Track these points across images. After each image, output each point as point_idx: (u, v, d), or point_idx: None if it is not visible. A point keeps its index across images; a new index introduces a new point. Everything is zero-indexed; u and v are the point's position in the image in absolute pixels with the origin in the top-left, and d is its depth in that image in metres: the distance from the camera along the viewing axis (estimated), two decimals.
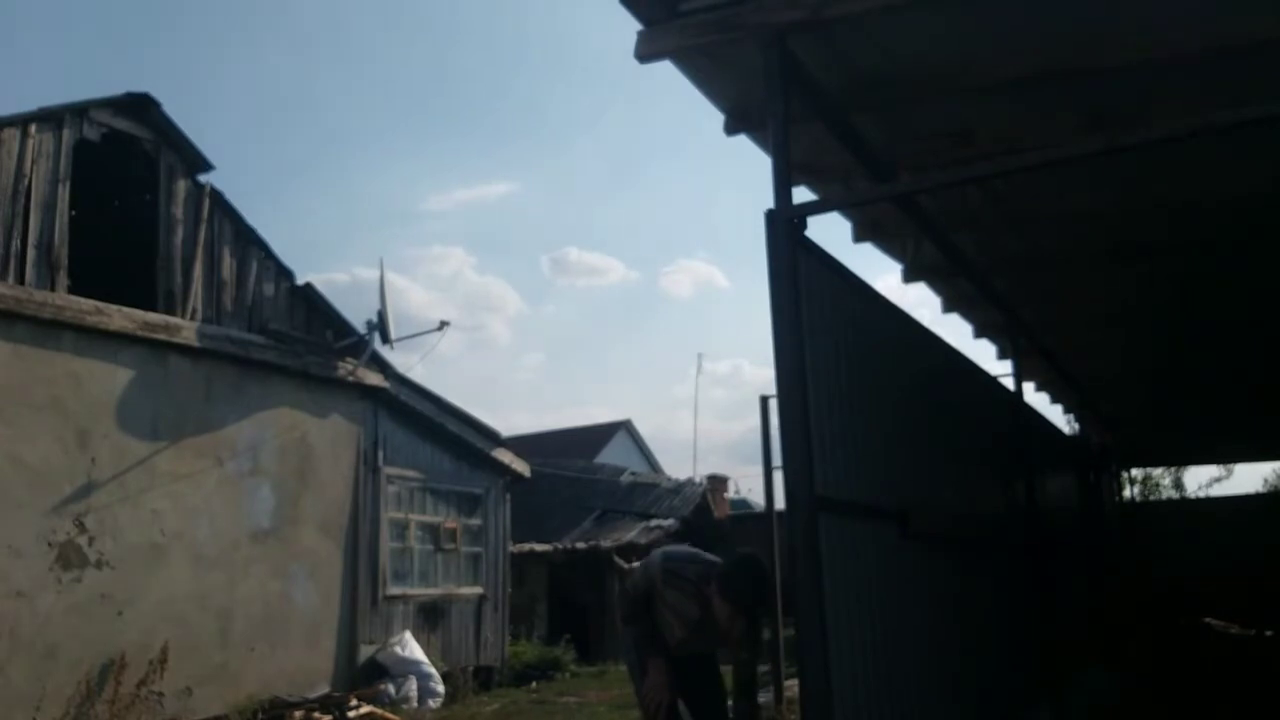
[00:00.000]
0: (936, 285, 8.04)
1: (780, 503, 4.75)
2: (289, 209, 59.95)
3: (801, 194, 5.16)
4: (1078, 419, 14.65)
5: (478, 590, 13.67)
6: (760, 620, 4.84)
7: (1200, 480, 27.22)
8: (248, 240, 11.23)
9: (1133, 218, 6.62)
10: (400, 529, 12.67)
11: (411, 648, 11.91)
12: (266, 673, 10.41)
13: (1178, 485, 21.62)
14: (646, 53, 4.29)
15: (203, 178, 10.85)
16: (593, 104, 71.99)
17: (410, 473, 12.84)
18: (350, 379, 11.88)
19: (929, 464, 5.54)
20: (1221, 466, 20.54)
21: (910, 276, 7.54)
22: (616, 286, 67.78)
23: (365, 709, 10.10)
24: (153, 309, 10.08)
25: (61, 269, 9.38)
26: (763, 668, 10.30)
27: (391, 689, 11.24)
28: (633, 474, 24.08)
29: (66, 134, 9.64)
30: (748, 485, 31.41)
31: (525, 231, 69.26)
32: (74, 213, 9.84)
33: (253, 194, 67.45)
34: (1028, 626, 7.32)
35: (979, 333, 9.34)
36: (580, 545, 18.83)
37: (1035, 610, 7.49)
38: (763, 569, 4.62)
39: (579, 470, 22.98)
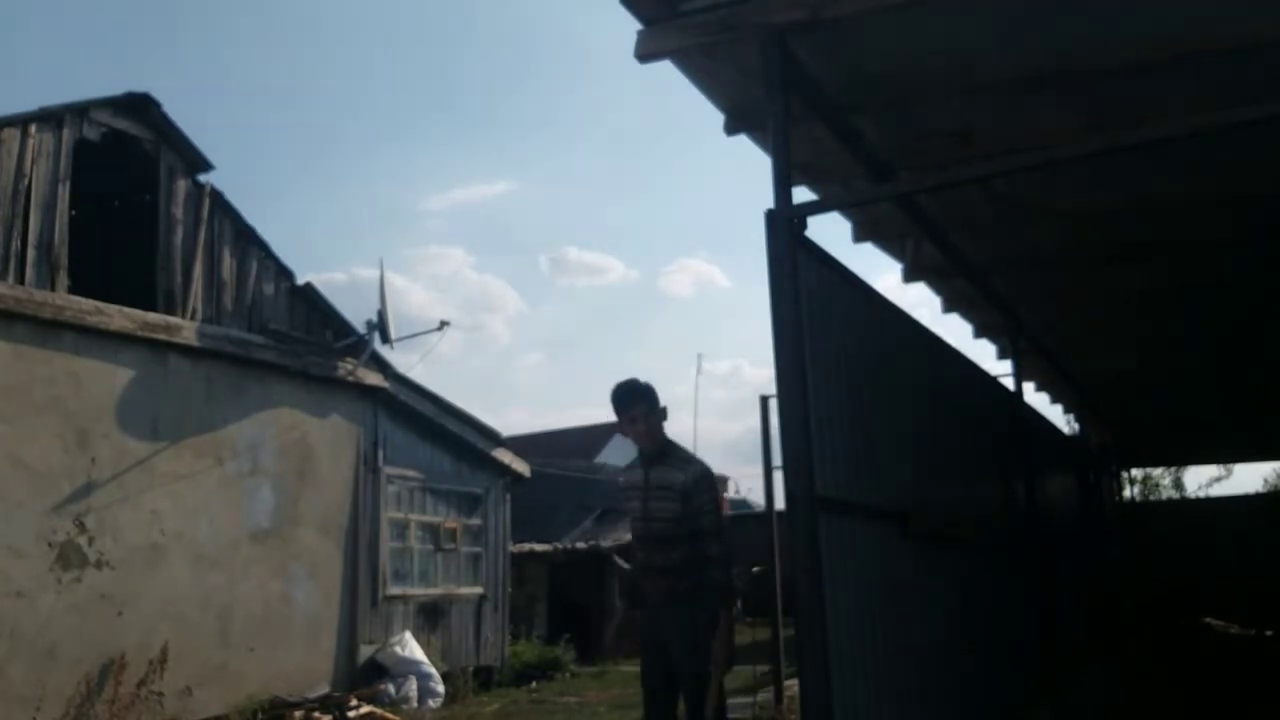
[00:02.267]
0: (936, 285, 8.04)
1: (780, 503, 4.76)
2: (288, 209, 60.01)
3: (801, 194, 5.16)
4: (1078, 419, 14.64)
5: (478, 590, 13.66)
6: (704, 488, 5.02)
7: (1200, 480, 27.23)
8: (248, 240, 11.23)
9: (1133, 218, 6.61)
10: (400, 529, 12.67)
11: (411, 648, 11.91)
12: (266, 673, 10.41)
13: (1178, 485, 21.64)
14: (646, 53, 4.29)
15: (203, 178, 10.84)
16: (592, 103, 72.03)
17: (410, 473, 12.84)
18: (350, 379, 11.88)
19: (929, 464, 5.54)
20: (1221, 466, 20.56)
21: (910, 276, 7.54)
22: (616, 286, 67.86)
23: (365, 709, 10.09)
24: (153, 309, 10.08)
25: (61, 269, 9.37)
26: (762, 668, 10.29)
27: (391, 689, 11.24)
28: None
29: (66, 134, 9.63)
30: (748, 485, 31.40)
31: (524, 231, 69.30)
32: (74, 213, 9.84)
33: (253, 194, 67.49)
34: (1028, 626, 7.32)
35: (979, 333, 9.34)
36: (580, 545, 18.84)
37: (1035, 610, 7.48)
38: (626, 380, 5.13)
39: (579, 470, 23.00)
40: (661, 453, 5.07)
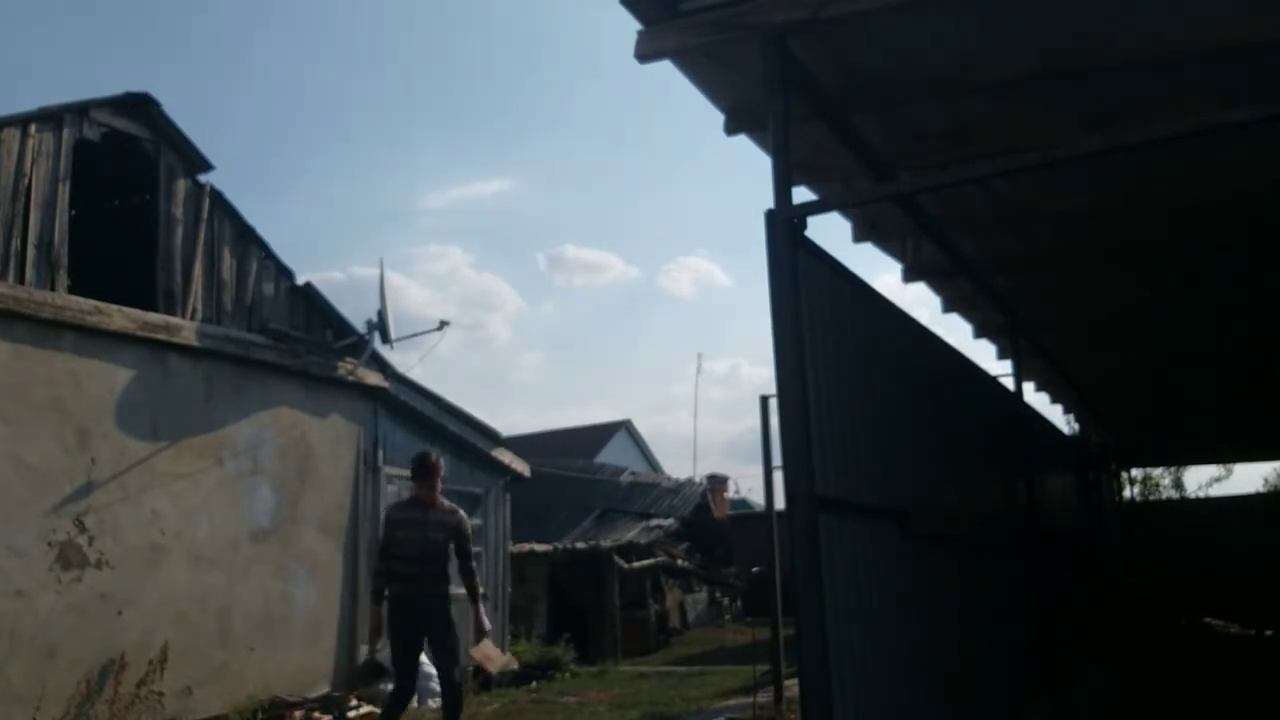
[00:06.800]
0: (936, 285, 8.04)
1: (780, 503, 4.79)
2: (285, 208, 60.02)
3: (801, 194, 5.17)
4: (1078, 419, 14.65)
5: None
6: (466, 529, 7.47)
7: (1200, 480, 27.15)
8: (248, 240, 11.22)
9: (1133, 218, 6.62)
10: None
11: None
12: (266, 673, 10.40)
13: (1178, 485, 21.59)
14: (646, 52, 4.29)
15: (202, 177, 10.83)
16: (591, 102, 72.03)
17: (410, 472, 12.83)
18: (350, 379, 11.87)
19: (929, 464, 5.54)
20: (1221, 466, 20.54)
21: (910, 276, 7.55)
22: (615, 284, 67.84)
23: (365, 709, 10.09)
24: (153, 309, 10.07)
25: (61, 269, 9.37)
26: (762, 668, 10.32)
27: (391, 689, 11.23)
28: (633, 474, 24.09)
29: (66, 134, 9.63)
30: (747, 485, 31.40)
31: (523, 229, 69.28)
32: (74, 212, 9.82)
33: (252, 193, 67.50)
34: (1028, 626, 7.33)
35: (979, 333, 9.34)
36: (580, 545, 18.83)
37: (1034, 610, 7.49)
38: (423, 453, 7.89)
39: (579, 470, 22.99)
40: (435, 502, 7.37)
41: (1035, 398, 12.11)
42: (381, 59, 68.04)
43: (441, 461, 7.60)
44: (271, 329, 11.16)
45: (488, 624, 7.68)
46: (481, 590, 7.88)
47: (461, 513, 7.57)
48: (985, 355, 10.19)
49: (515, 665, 13.80)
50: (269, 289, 11.35)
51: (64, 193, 9.52)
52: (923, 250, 7.07)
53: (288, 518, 11.03)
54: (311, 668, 10.99)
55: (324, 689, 10.83)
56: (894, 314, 5.41)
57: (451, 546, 7.36)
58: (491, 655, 8.18)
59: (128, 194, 11.26)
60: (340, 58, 64.89)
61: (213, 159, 10.84)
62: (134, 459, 9.57)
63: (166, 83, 45.58)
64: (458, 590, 7.62)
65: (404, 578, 7.18)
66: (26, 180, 9.19)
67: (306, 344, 11.50)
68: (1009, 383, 8.25)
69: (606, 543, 18.79)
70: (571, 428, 33.72)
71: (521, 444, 16.39)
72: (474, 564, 7.56)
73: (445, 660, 7.33)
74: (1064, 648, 8.29)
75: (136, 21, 59.49)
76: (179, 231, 10.51)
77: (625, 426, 35.03)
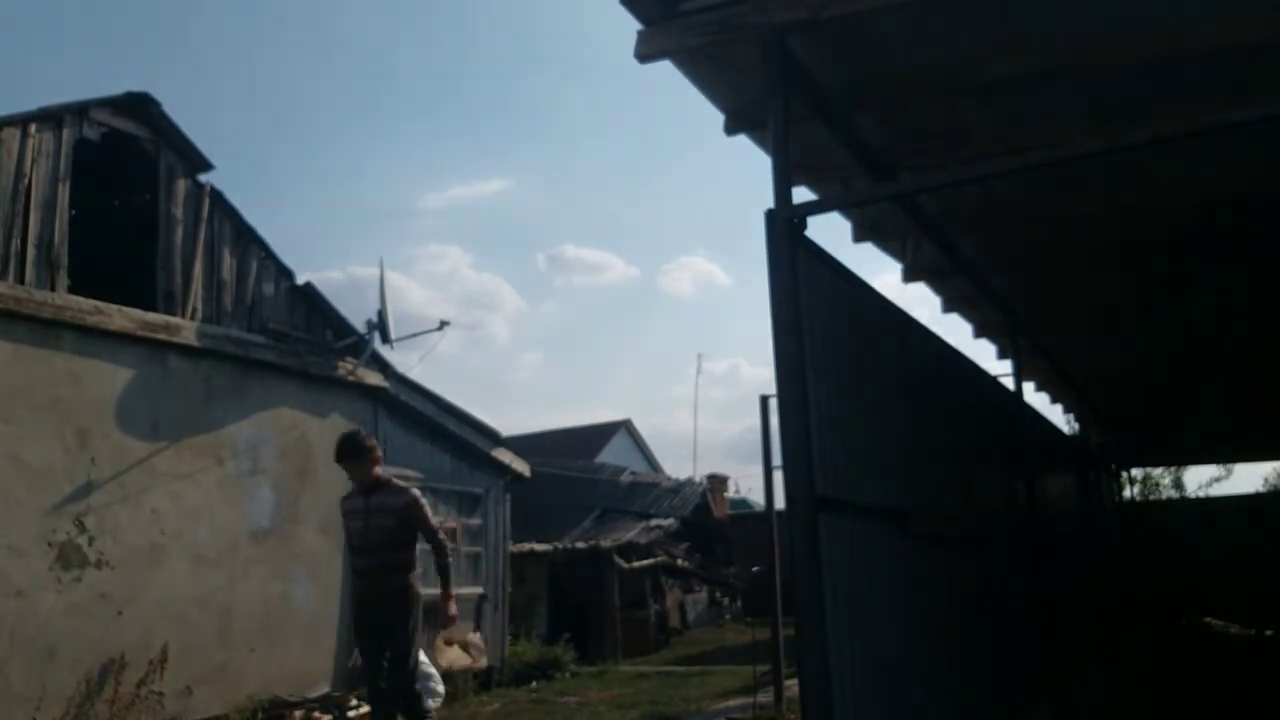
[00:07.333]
0: (936, 285, 8.04)
1: (780, 503, 4.79)
2: (284, 208, 60.03)
3: (801, 194, 5.16)
4: (1078, 419, 14.66)
5: (478, 590, 13.65)
6: (418, 508, 6.78)
7: (1200, 480, 27.15)
8: (248, 240, 11.21)
9: (1132, 218, 6.62)
10: None
11: None
12: (266, 673, 10.40)
13: (1178, 485, 21.60)
14: (646, 53, 4.29)
15: (202, 177, 10.83)
16: (591, 102, 72.03)
17: (410, 473, 12.80)
18: (350, 379, 11.87)
19: (929, 464, 5.54)
20: (1221, 466, 20.54)
21: (910, 276, 7.55)
22: (615, 284, 67.85)
23: (365, 709, 10.08)
24: (153, 309, 10.07)
25: (61, 269, 9.36)
26: (762, 668, 10.31)
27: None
28: (633, 474, 24.09)
29: (66, 134, 9.62)
30: (747, 485, 31.41)
31: (522, 229, 69.30)
32: (74, 212, 9.82)
33: (251, 193, 67.51)
34: (1027, 626, 7.33)
35: (979, 333, 9.34)
36: (580, 545, 18.83)
37: (1035, 610, 7.49)
38: (345, 434, 7.16)
39: (579, 470, 22.98)
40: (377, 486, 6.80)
41: (1035, 398, 12.12)
42: (381, 58, 68.08)
43: (372, 440, 6.96)
44: (271, 329, 11.15)
45: (453, 608, 6.85)
46: (457, 596, 7.21)
47: (413, 491, 6.85)
48: (985, 355, 10.19)
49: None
50: (269, 289, 11.35)
51: (64, 193, 9.52)
52: (923, 250, 7.07)
53: (288, 518, 11.03)
54: (311, 668, 10.98)
55: (324, 689, 10.83)
56: (894, 314, 5.41)
57: (412, 531, 6.74)
58: (449, 653, 7.57)
59: (128, 194, 11.26)
60: (340, 57, 64.93)
61: (212, 159, 10.84)
62: (134, 459, 9.57)
63: (166, 83, 45.62)
64: (461, 590, 7.28)
65: (357, 571, 6.86)
66: (26, 180, 9.18)
67: (306, 344, 11.50)
68: (1009, 383, 8.26)
69: (606, 543, 18.78)
70: (571, 428, 33.71)
71: (521, 444, 16.38)
72: (441, 538, 6.86)
73: (394, 671, 6.58)
74: (1064, 648, 8.29)
75: (136, 21, 59.52)
76: (179, 231, 10.50)
77: (625, 426, 35.04)
